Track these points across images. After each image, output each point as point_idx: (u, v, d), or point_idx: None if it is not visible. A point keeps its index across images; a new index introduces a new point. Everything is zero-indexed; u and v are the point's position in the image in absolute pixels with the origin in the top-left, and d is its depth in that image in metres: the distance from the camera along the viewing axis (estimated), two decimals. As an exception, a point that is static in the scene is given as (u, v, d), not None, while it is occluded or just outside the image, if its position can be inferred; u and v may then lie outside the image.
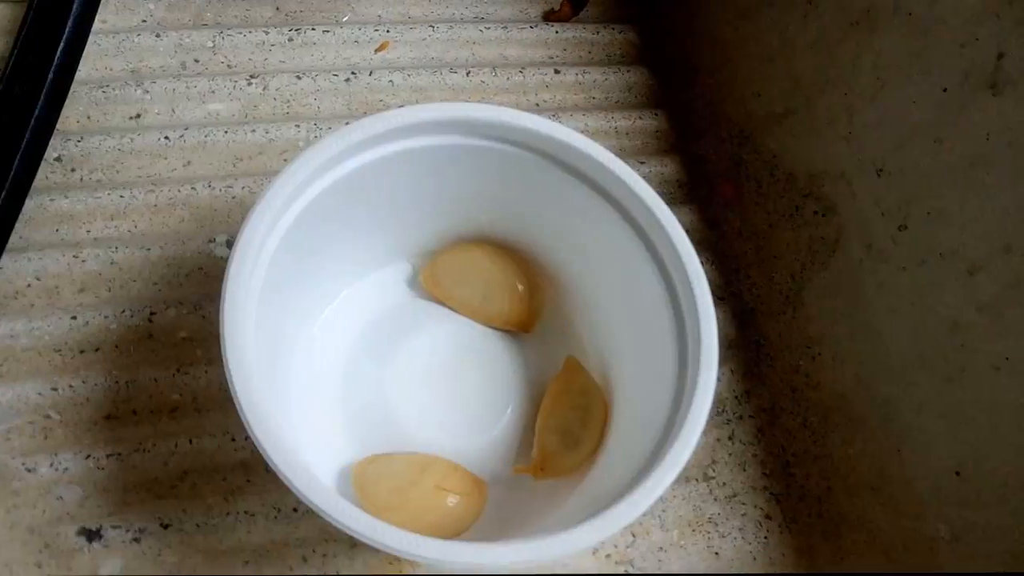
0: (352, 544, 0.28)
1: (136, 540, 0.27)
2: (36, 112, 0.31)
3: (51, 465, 0.28)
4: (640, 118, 0.39)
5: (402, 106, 0.36)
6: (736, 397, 0.35)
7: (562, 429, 0.29)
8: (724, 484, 0.33)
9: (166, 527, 0.27)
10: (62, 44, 0.32)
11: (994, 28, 0.28)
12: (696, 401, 0.24)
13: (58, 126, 0.32)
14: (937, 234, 0.30)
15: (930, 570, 0.29)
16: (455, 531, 0.27)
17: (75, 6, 0.32)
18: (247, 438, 0.27)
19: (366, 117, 0.25)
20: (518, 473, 0.29)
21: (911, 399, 0.31)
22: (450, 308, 0.31)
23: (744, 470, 0.33)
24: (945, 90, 0.30)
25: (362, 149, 0.26)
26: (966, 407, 0.29)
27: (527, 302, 0.31)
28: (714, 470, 0.33)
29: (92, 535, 0.27)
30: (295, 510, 0.28)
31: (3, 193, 0.30)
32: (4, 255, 0.30)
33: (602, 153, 0.27)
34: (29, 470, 0.27)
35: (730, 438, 0.34)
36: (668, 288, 0.27)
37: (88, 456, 0.28)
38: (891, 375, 0.32)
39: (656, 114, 0.40)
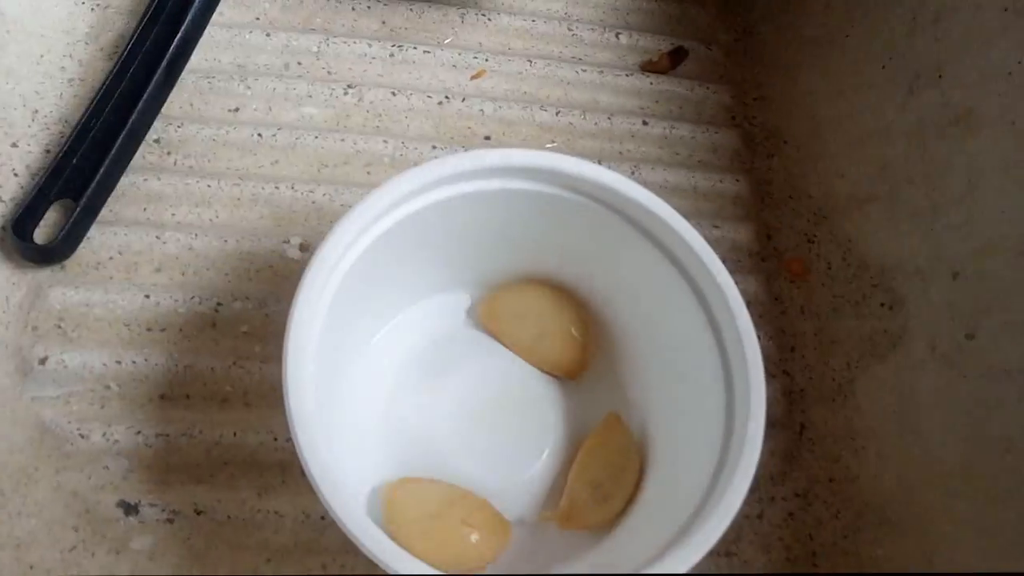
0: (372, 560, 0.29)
1: (169, 521, 0.28)
2: (147, 93, 0.32)
3: (103, 435, 0.29)
4: (721, 181, 0.39)
5: (488, 136, 0.37)
6: (771, 476, 0.34)
7: (594, 483, 0.29)
8: (745, 563, 0.32)
9: (199, 513, 0.28)
10: (181, 31, 0.33)
11: (1098, 154, 0.27)
12: (735, 483, 0.24)
13: (162, 109, 0.34)
14: (1006, 349, 0.29)
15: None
16: (472, 567, 0.27)
17: (199, -2, 0.34)
18: (288, 440, 0.28)
19: (455, 154, 0.26)
20: (544, 520, 0.29)
21: (951, 512, 0.30)
22: (503, 344, 0.32)
23: (768, 552, 0.33)
24: (1037, 207, 0.29)
25: (446, 184, 0.27)
26: (1008, 530, 0.28)
27: (579, 349, 0.31)
28: (737, 547, 0.33)
29: (130, 509, 0.28)
30: (323, 518, 0.29)
31: (104, 166, 0.31)
32: (94, 226, 0.31)
33: (675, 217, 0.27)
34: (83, 436, 0.29)
35: (759, 517, 0.33)
36: (723, 364, 0.27)
37: (139, 432, 0.29)
38: (934, 483, 0.31)
39: (737, 180, 0.40)
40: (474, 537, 0.27)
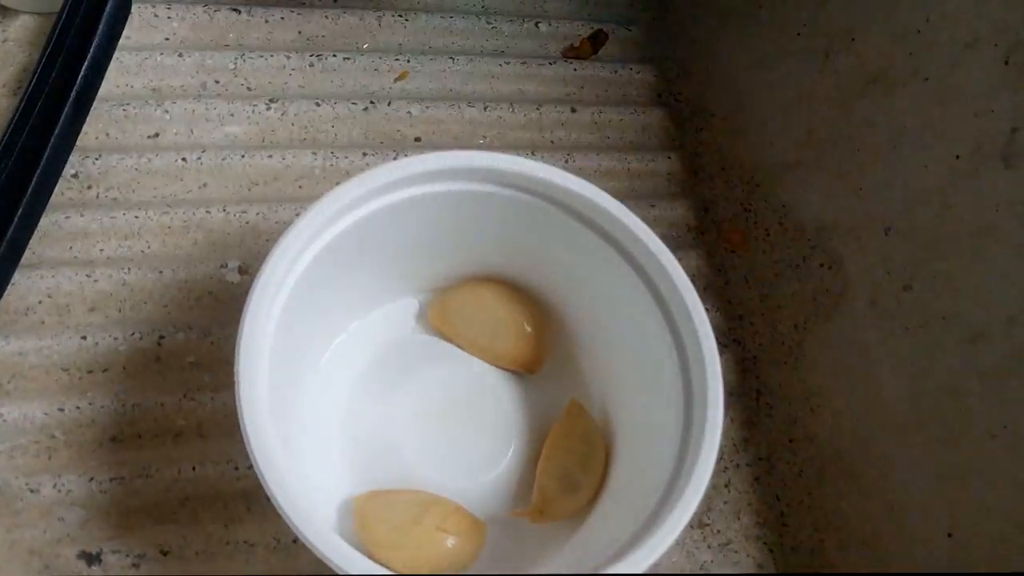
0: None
1: (135, 566, 0.27)
2: (59, 127, 0.31)
3: (54, 486, 0.28)
4: (653, 160, 0.40)
5: (419, 138, 0.37)
6: (734, 445, 0.35)
7: (562, 474, 0.29)
8: (718, 532, 0.33)
9: (165, 554, 0.28)
10: (88, 59, 0.32)
11: (1011, 102, 0.28)
12: (699, 464, 0.25)
13: (77, 142, 0.32)
14: (941, 298, 0.30)
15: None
16: (450, 571, 0.27)
17: (103, 22, 0.32)
18: (249, 467, 0.27)
19: (388, 162, 0.26)
20: (517, 517, 0.29)
21: (907, 459, 0.31)
22: (457, 346, 0.31)
23: (739, 518, 0.34)
24: (958, 157, 0.30)
25: (382, 193, 0.26)
26: (962, 471, 0.29)
27: (534, 343, 0.31)
28: (709, 517, 0.33)
29: (92, 559, 0.27)
30: (294, 542, 0.29)
31: (20, 208, 0.30)
32: (17, 271, 0.30)
33: (611, 203, 0.27)
34: (32, 490, 0.27)
35: (726, 486, 0.34)
36: (675, 341, 0.27)
37: (91, 479, 0.28)
38: (888, 433, 0.32)
39: (669, 157, 0.40)
40: (450, 542, 0.27)
